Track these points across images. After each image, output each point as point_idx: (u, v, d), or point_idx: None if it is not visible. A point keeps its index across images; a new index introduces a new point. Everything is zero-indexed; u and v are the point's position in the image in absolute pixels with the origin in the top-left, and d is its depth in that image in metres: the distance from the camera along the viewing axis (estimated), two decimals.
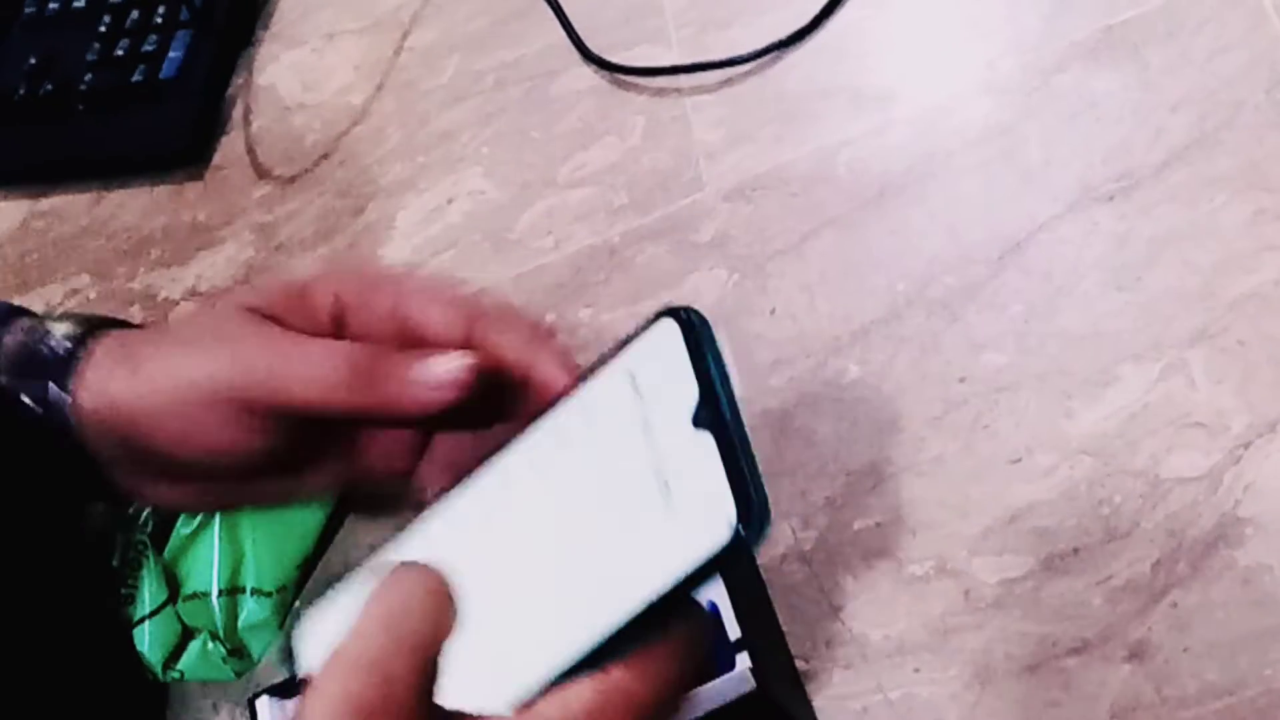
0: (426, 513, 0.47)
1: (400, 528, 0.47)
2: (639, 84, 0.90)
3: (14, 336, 0.58)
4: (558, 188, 0.87)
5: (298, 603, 0.75)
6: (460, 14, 0.97)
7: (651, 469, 0.40)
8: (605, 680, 0.40)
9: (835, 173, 0.82)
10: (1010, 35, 0.82)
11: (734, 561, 0.38)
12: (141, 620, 0.76)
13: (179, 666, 0.75)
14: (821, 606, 0.70)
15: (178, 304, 0.93)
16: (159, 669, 0.75)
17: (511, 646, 0.42)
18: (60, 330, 0.58)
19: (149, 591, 0.76)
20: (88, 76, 0.99)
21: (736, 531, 0.37)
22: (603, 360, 0.44)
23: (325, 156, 0.95)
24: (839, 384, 0.75)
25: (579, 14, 0.93)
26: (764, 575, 0.71)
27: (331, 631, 0.44)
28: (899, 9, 0.86)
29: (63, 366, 0.57)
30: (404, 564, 0.43)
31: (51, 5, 1.04)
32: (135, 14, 1.00)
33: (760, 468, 0.38)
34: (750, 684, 0.62)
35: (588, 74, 0.91)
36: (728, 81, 0.88)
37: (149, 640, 0.76)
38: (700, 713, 0.62)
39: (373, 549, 0.46)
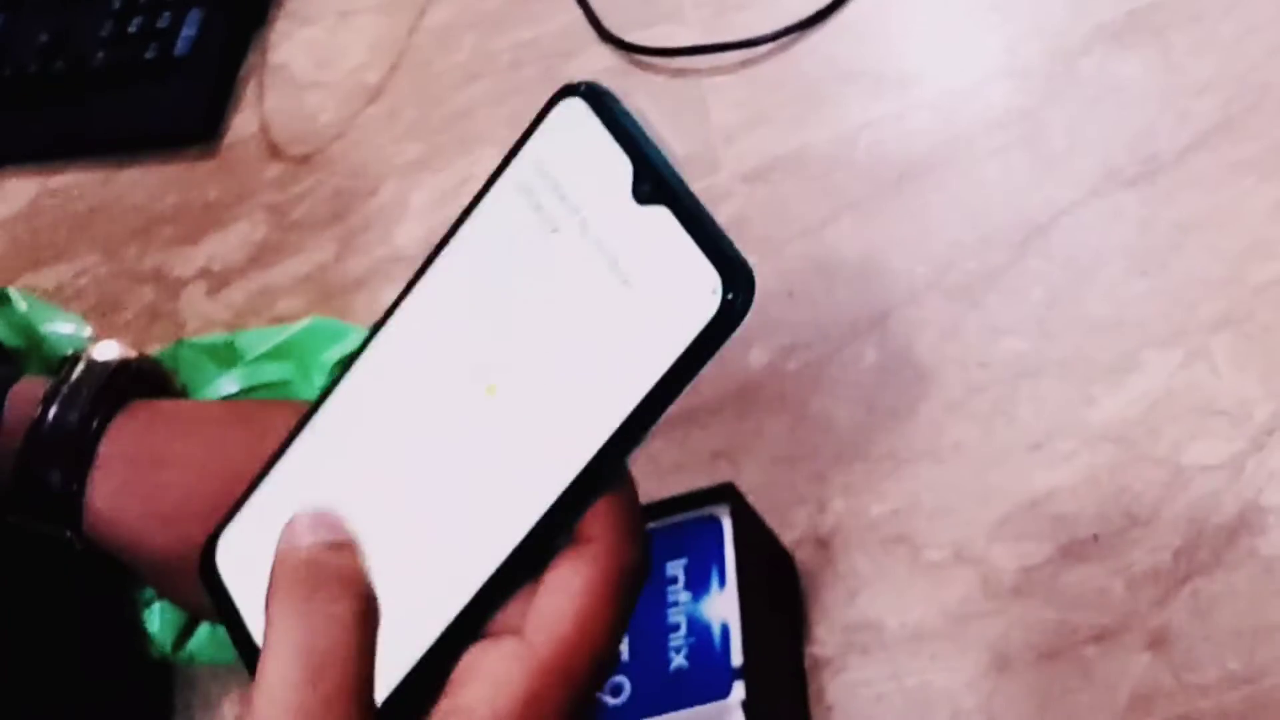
0: (336, 384, 0.42)
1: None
2: (656, 64, 0.89)
3: (22, 410, 0.58)
4: None
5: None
6: None
7: (598, 261, 0.36)
8: (533, 660, 0.37)
9: (855, 156, 0.81)
10: (1033, 18, 0.81)
11: (726, 334, 0.34)
12: (151, 601, 0.75)
13: (188, 648, 0.75)
14: (838, 592, 0.69)
15: (188, 283, 0.92)
16: (168, 650, 0.75)
17: (469, 505, 0.38)
18: (66, 413, 0.57)
19: None
20: (100, 54, 0.99)
21: (725, 298, 0.34)
22: (503, 165, 0.39)
23: (339, 136, 0.94)
24: (857, 369, 0.74)
25: None
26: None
27: (256, 553, 0.41)
28: None
29: (70, 459, 0.57)
30: (318, 586, 0.38)
31: None
32: None
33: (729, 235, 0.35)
34: (739, 717, 0.61)
35: (605, 54, 0.90)
36: (746, 63, 0.87)
37: (159, 621, 0.75)
38: None
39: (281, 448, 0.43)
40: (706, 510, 0.67)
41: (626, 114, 0.37)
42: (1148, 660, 0.63)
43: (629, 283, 0.36)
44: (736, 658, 0.62)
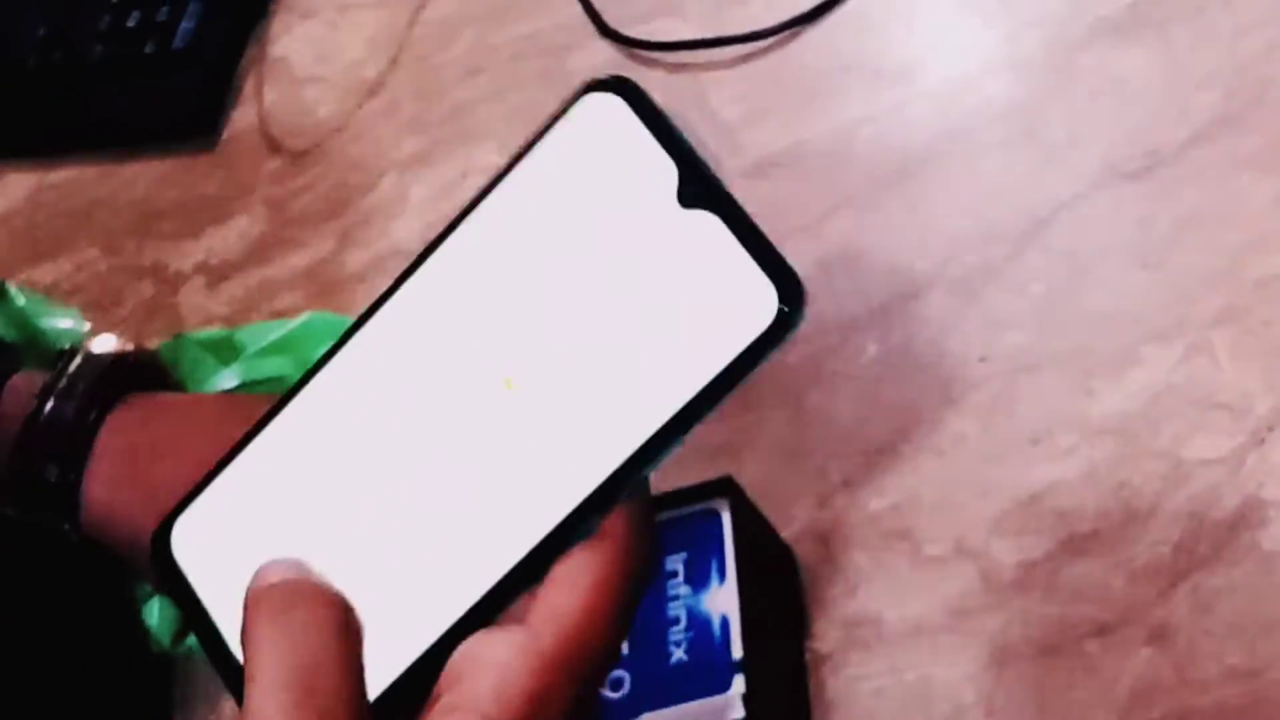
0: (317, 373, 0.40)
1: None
2: (656, 59, 0.89)
3: (18, 404, 0.58)
4: None
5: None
6: None
7: (635, 263, 0.35)
8: (539, 654, 0.36)
9: (855, 150, 0.81)
10: (1034, 11, 0.81)
11: (775, 346, 0.33)
12: (150, 596, 0.75)
13: (187, 642, 0.75)
14: (837, 586, 0.69)
15: (188, 278, 0.92)
16: (167, 644, 0.75)
17: (481, 506, 0.37)
18: (65, 406, 0.57)
19: None
20: (98, 47, 0.99)
21: (781, 310, 0.33)
22: (520, 156, 0.37)
23: (338, 130, 0.94)
24: (857, 362, 0.74)
25: None
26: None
27: (221, 536, 0.40)
28: None
29: (68, 451, 0.57)
30: (288, 603, 0.37)
31: None
32: None
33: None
34: (739, 712, 0.61)
35: (604, 48, 0.90)
36: (746, 57, 0.87)
37: (158, 615, 0.75)
38: None
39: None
40: (706, 504, 0.67)
41: (665, 113, 0.36)
42: (1148, 655, 0.63)
43: (671, 288, 0.35)
44: (737, 651, 0.62)
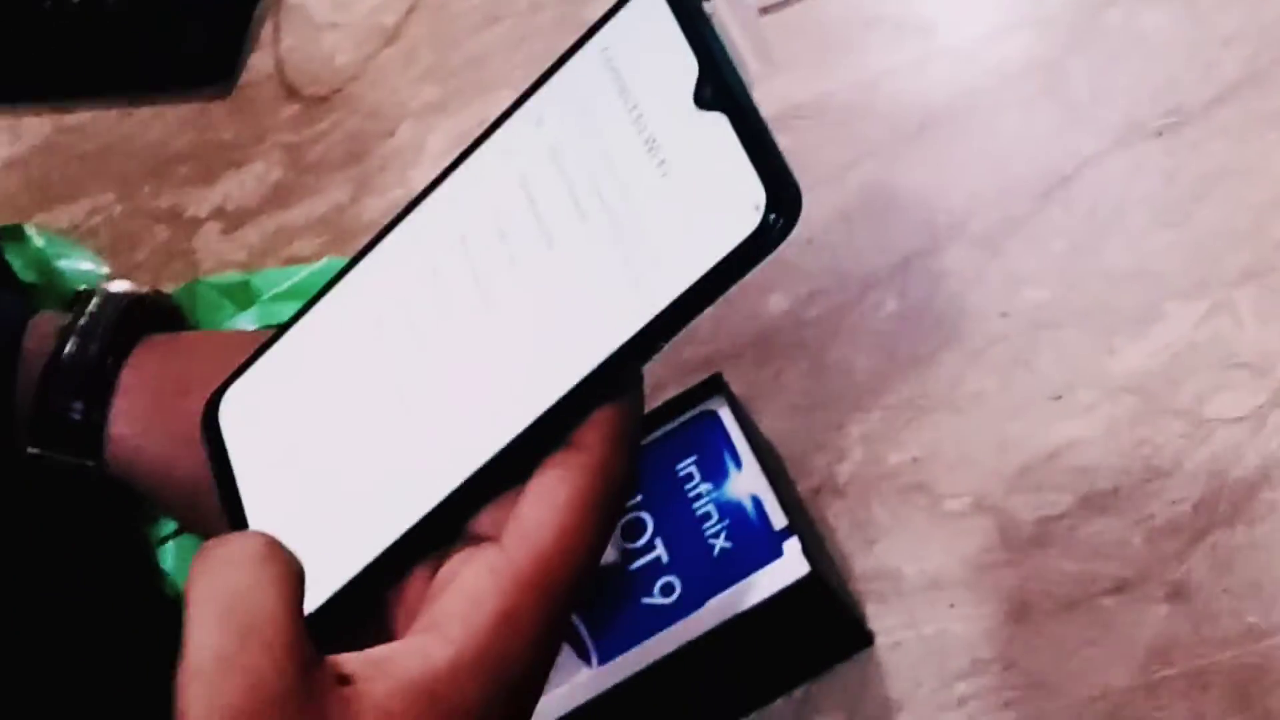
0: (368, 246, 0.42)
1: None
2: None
3: (40, 344, 0.58)
4: None
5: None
6: None
7: (644, 157, 0.36)
8: (511, 575, 0.35)
9: (876, 103, 0.81)
10: None
11: (763, 254, 0.33)
12: (166, 539, 0.75)
13: None
14: (855, 540, 0.69)
15: (204, 223, 0.91)
16: (183, 587, 0.75)
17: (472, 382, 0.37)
18: (87, 345, 0.57)
19: None
20: None
21: (767, 216, 0.33)
22: (572, 49, 0.39)
23: (355, 77, 0.94)
24: (877, 317, 0.74)
25: None
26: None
27: (259, 412, 0.41)
28: None
29: (92, 389, 0.57)
30: (214, 544, 0.37)
31: None
32: None
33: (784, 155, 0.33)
34: (804, 567, 0.61)
35: None
36: (767, 9, 0.86)
37: (173, 559, 0.75)
38: (747, 605, 0.60)
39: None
40: (702, 407, 0.67)
41: (702, 15, 0.36)
42: (1166, 612, 0.63)
43: (671, 183, 0.35)
44: (777, 521, 0.62)
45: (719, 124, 0.35)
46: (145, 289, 0.61)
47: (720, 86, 0.35)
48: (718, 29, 0.37)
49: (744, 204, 0.34)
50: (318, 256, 0.87)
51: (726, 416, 0.66)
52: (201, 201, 0.93)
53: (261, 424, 0.42)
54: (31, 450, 0.58)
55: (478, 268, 0.38)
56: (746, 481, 0.64)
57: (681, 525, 0.64)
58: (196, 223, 0.92)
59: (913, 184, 0.77)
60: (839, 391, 0.72)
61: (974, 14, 0.82)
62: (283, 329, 0.43)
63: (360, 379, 0.40)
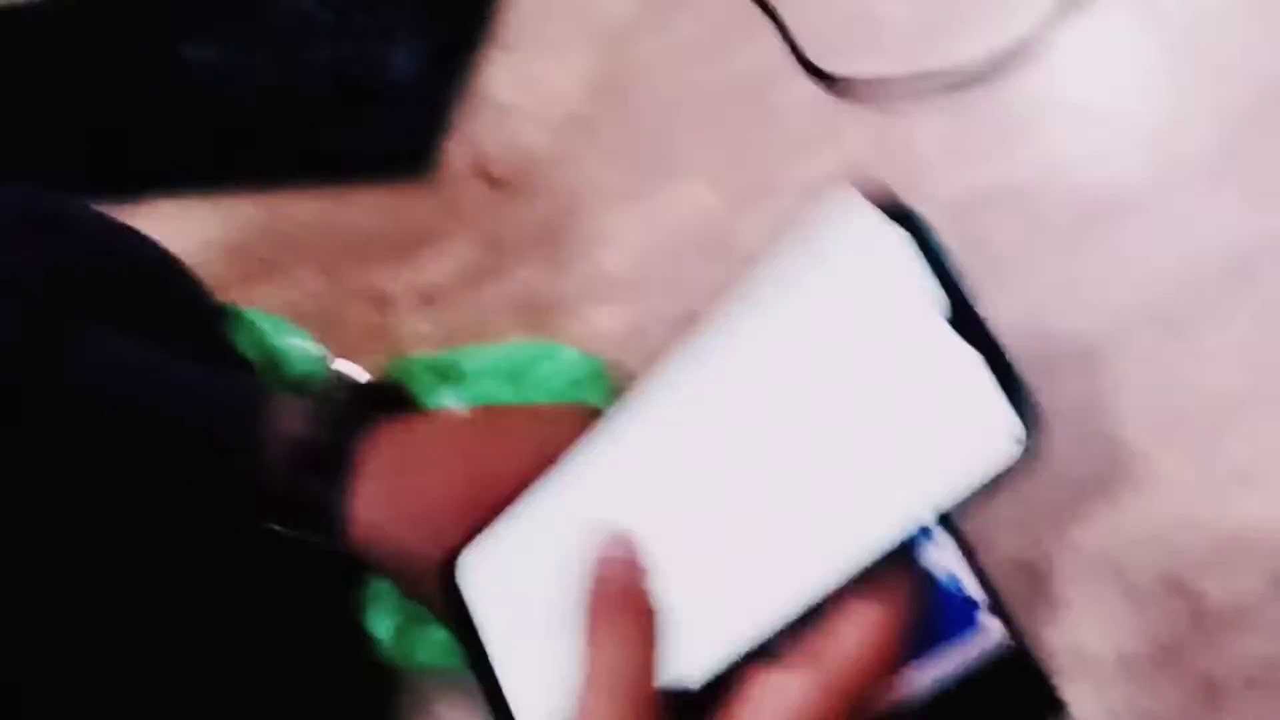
0: (600, 430, 0.46)
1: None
2: (859, 95, 0.91)
3: (289, 423, 0.62)
4: (777, 195, 0.89)
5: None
6: (681, 25, 0.99)
7: (888, 381, 0.39)
8: (822, 680, 0.41)
9: (1058, 187, 0.83)
10: (1243, 58, 0.82)
11: (1015, 477, 0.37)
12: (376, 604, 0.78)
13: (412, 651, 0.78)
14: (1043, 615, 0.70)
15: (403, 302, 0.96)
16: (391, 653, 0.78)
17: (727, 584, 0.42)
18: (328, 429, 0.62)
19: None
20: (320, 81, 1.03)
21: (1023, 444, 0.37)
22: (831, 277, 0.42)
23: (548, 163, 0.98)
24: (1064, 398, 0.75)
25: (799, 26, 0.94)
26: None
27: (507, 573, 0.44)
28: (1129, 28, 0.86)
29: (333, 471, 0.61)
30: (620, 598, 0.43)
31: (285, 12, 1.08)
32: (367, 22, 1.04)
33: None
34: (1002, 639, 0.62)
35: (807, 84, 0.93)
36: (949, 95, 0.88)
37: (382, 624, 0.78)
38: (945, 676, 0.62)
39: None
40: None
41: (941, 246, 0.40)
42: None
43: (916, 409, 0.39)
44: (974, 593, 0.64)
45: (966, 353, 0.38)
46: (374, 373, 0.65)
47: (964, 313, 0.39)
48: (953, 257, 0.41)
49: (999, 433, 0.38)
50: (512, 335, 0.90)
51: None
52: (400, 282, 0.97)
53: (507, 583, 0.45)
54: (271, 526, 0.62)
55: (742, 438, 0.42)
56: (941, 555, 0.65)
57: None
58: (396, 301, 0.96)
59: (1096, 267, 0.79)
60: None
61: (1156, 99, 0.84)
62: (527, 488, 0.46)
63: (644, 524, 0.43)
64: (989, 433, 0.38)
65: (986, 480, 0.38)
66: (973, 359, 0.38)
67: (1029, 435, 0.37)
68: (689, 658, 0.41)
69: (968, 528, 0.71)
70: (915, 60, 0.90)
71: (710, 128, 0.94)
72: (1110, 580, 0.69)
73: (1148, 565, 0.69)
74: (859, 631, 0.41)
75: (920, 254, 0.40)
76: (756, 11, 0.96)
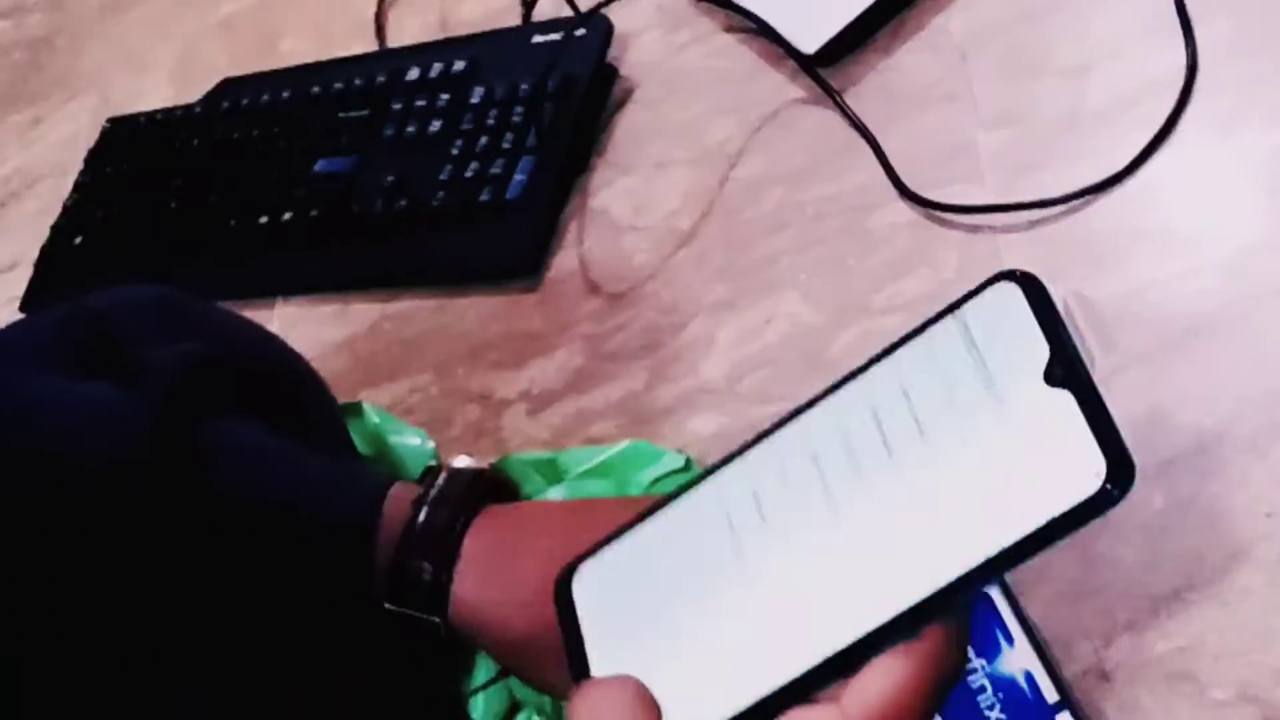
0: (723, 464, 0.49)
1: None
2: (953, 220, 0.95)
3: (397, 511, 0.67)
4: (872, 314, 0.93)
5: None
6: (784, 149, 1.03)
7: (998, 420, 0.42)
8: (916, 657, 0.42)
9: (1143, 311, 0.85)
10: None
11: (1094, 516, 0.40)
12: (476, 691, 0.82)
13: None
14: None
15: (511, 404, 1.00)
16: None
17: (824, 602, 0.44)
18: (439, 513, 0.66)
19: (484, 663, 0.82)
20: (439, 195, 1.09)
21: (1105, 484, 0.40)
22: (935, 318, 0.46)
23: (652, 275, 1.02)
24: (1145, 512, 0.78)
25: (897, 153, 0.98)
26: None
27: (611, 588, 0.48)
28: (1214, 159, 0.90)
29: (442, 553, 0.65)
30: (593, 685, 0.46)
31: (409, 130, 1.14)
32: (484, 140, 1.09)
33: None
34: None
35: (903, 209, 0.97)
36: (1039, 222, 0.92)
37: (482, 712, 0.82)
38: None
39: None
40: None
41: (1054, 306, 0.43)
42: None
43: (1014, 442, 0.42)
44: (1051, 695, 0.67)
45: (1065, 400, 0.41)
46: (484, 465, 0.70)
47: (1069, 368, 0.42)
48: (1066, 318, 0.43)
49: (1085, 471, 0.40)
50: (614, 438, 0.94)
51: (997, 596, 0.71)
52: (510, 384, 1.02)
53: (612, 598, 0.49)
54: (386, 606, 0.66)
55: (829, 483, 0.46)
56: (1018, 658, 0.68)
57: (958, 697, 0.68)
58: (505, 404, 1.01)
59: (1179, 389, 0.82)
60: (1106, 581, 0.76)
61: (1239, 226, 0.86)
62: (641, 516, 0.50)
63: (712, 566, 0.47)
64: (1071, 465, 0.40)
65: (1060, 516, 0.40)
66: (1065, 397, 0.41)
67: (1114, 477, 0.40)
68: (729, 698, 0.44)
69: (1046, 632, 0.74)
70: (1007, 190, 0.94)
71: (809, 247, 0.98)
72: (1187, 690, 0.72)
73: (1224, 676, 0.71)
74: (887, 683, 0.42)
75: (1031, 306, 0.43)
76: (856, 138, 1.00)
